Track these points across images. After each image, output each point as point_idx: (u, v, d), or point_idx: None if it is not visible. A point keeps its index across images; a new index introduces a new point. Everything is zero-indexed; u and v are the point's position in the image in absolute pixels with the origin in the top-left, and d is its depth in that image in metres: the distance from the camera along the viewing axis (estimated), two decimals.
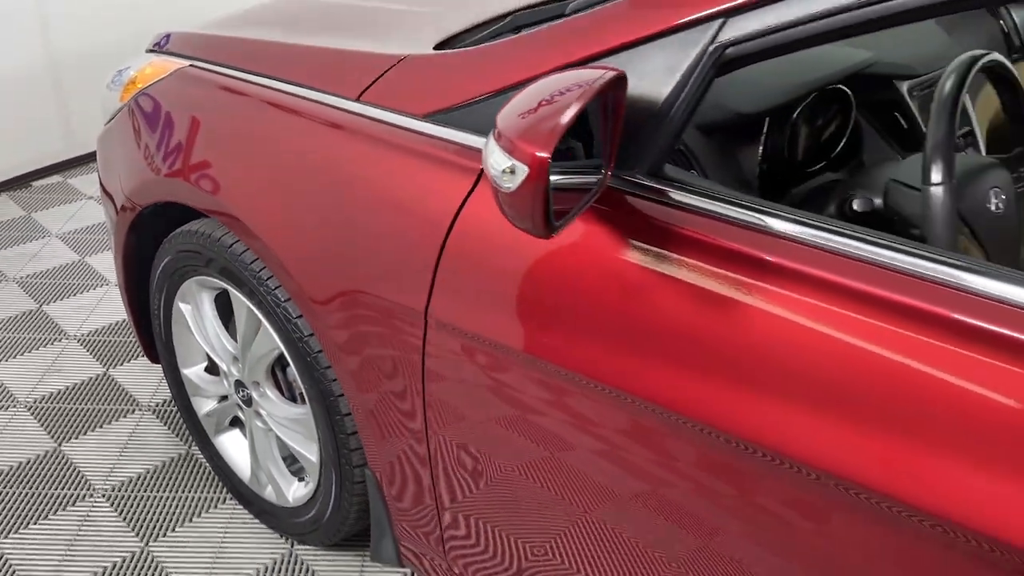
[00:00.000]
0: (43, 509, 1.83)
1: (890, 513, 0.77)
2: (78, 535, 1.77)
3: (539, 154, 0.76)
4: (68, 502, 1.85)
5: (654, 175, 0.98)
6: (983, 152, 1.48)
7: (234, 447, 1.84)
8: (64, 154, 3.39)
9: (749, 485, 0.89)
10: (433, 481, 1.32)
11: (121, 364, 2.29)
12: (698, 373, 0.90)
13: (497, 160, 0.79)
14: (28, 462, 1.96)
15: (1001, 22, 1.99)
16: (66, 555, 1.72)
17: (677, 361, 0.91)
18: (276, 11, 1.86)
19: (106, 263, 2.75)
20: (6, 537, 1.76)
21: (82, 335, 2.41)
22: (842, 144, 1.37)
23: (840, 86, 1.34)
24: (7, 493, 1.87)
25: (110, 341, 2.38)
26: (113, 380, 2.23)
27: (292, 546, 1.77)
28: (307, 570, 1.71)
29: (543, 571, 1.20)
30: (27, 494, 1.87)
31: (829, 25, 0.86)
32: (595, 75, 0.83)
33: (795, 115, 1.28)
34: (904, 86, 1.45)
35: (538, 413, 1.08)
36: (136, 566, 1.70)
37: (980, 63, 1.12)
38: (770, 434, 0.83)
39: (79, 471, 1.94)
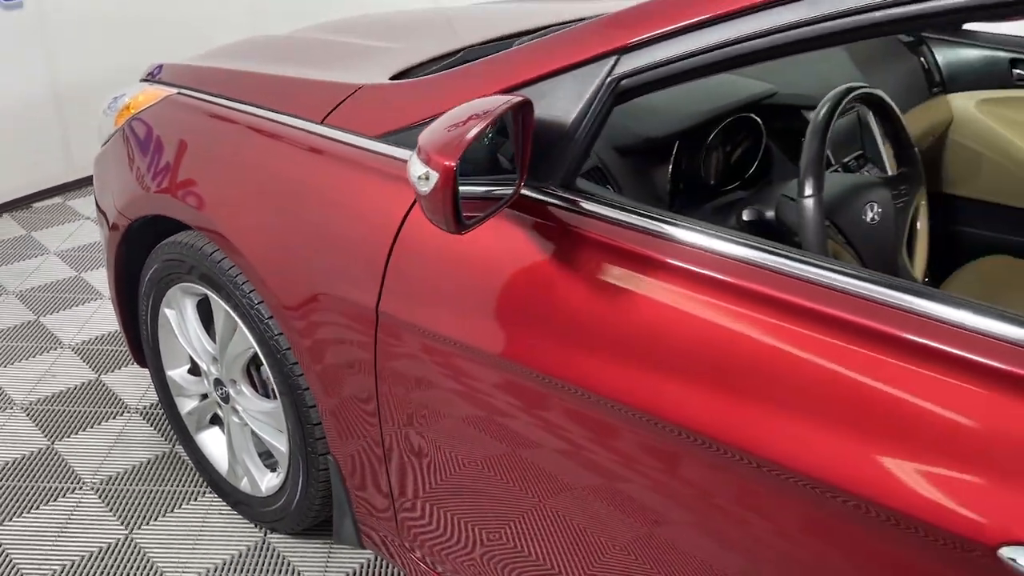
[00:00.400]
0: (36, 500, 1.97)
1: (760, 471, 0.92)
2: (68, 523, 1.91)
3: (446, 163, 0.93)
4: (60, 494, 1.99)
5: (566, 187, 1.14)
6: (889, 172, 1.65)
7: (213, 443, 1.98)
8: (64, 177, 3.57)
9: (654, 452, 1.03)
10: (387, 466, 1.47)
11: (112, 371, 2.43)
12: (606, 354, 1.05)
13: (416, 169, 0.95)
14: (24, 458, 2.10)
15: (921, 59, 2.18)
16: (57, 540, 1.86)
17: (586, 344, 1.07)
18: (259, 45, 2.04)
19: (100, 278, 2.90)
20: (2, 524, 1.90)
21: (76, 344, 2.56)
22: (755, 167, 1.54)
23: (752, 115, 1.51)
24: (4, 485, 2.01)
25: (102, 350, 2.53)
26: (104, 385, 2.38)
27: (265, 535, 1.90)
28: (278, 556, 1.85)
29: (495, 551, 1.34)
30: (22, 486, 2.01)
31: (711, 59, 1.03)
32: (500, 101, 1.00)
33: (709, 140, 1.45)
34: (810, 115, 1.62)
35: (472, 397, 1.23)
36: (120, 552, 1.84)
37: (852, 94, 1.28)
38: (664, 403, 0.98)
39: (70, 466, 2.08)
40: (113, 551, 1.84)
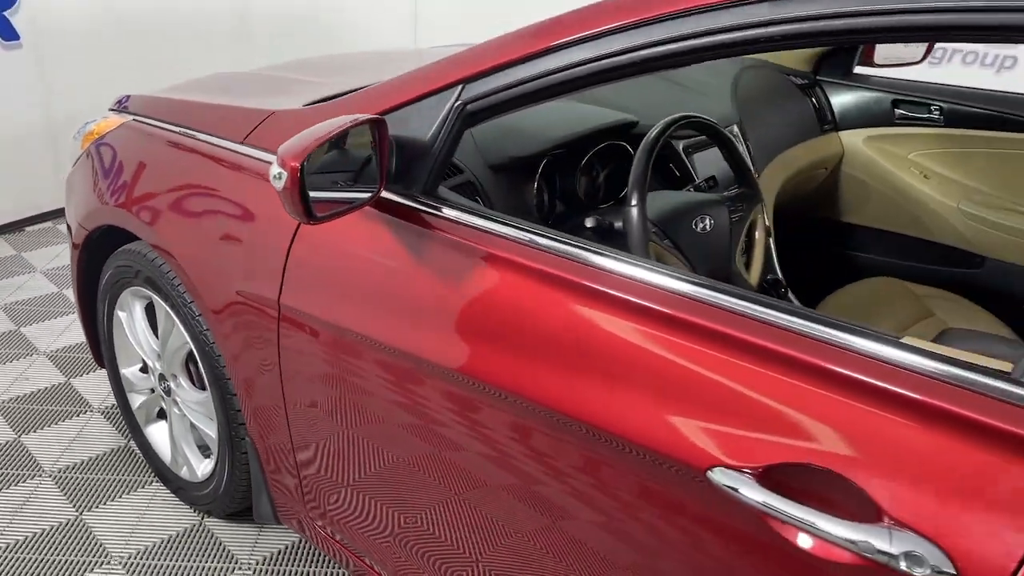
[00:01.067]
0: None
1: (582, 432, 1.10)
2: (25, 504, 2.09)
3: (293, 163, 1.13)
4: (19, 480, 2.17)
5: (428, 194, 1.34)
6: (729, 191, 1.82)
7: (159, 435, 2.17)
8: (54, 204, 3.81)
9: (501, 421, 1.21)
10: (293, 446, 1.66)
11: (80, 375, 2.63)
12: (452, 332, 1.24)
13: (273, 170, 1.16)
14: None
15: (813, 100, 2.39)
16: (13, 519, 2.04)
17: (436, 325, 1.26)
18: (215, 79, 2.27)
19: None
20: None
21: (50, 351, 2.76)
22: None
23: (622, 143, 1.72)
24: None
25: (73, 357, 2.73)
26: (72, 387, 2.57)
27: (202, 518, 2.08)
28: (212, 536, 2.02)
29: (395, 527, 1.50)
30: None
31: (537, 86, 1.22)
32: (349, 119, 1.20)
33: (582, 163, 1.65)
34: (680, 144, 1.83)
35: (356, 379, 1.41)
36: (69, 530, 2.02)
37: (679, 122, 1.49)
38: (491, 370, 1.17)
39: (33, 457, 2.26)
40: (63, 529, 2.02)
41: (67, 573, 1.89)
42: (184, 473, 2.08)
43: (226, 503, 1.97)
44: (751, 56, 2.49)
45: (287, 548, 2.00)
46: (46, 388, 2.57)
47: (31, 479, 2.18)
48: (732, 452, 0.95)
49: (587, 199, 1.68)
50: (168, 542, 1.99)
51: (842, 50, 2.40)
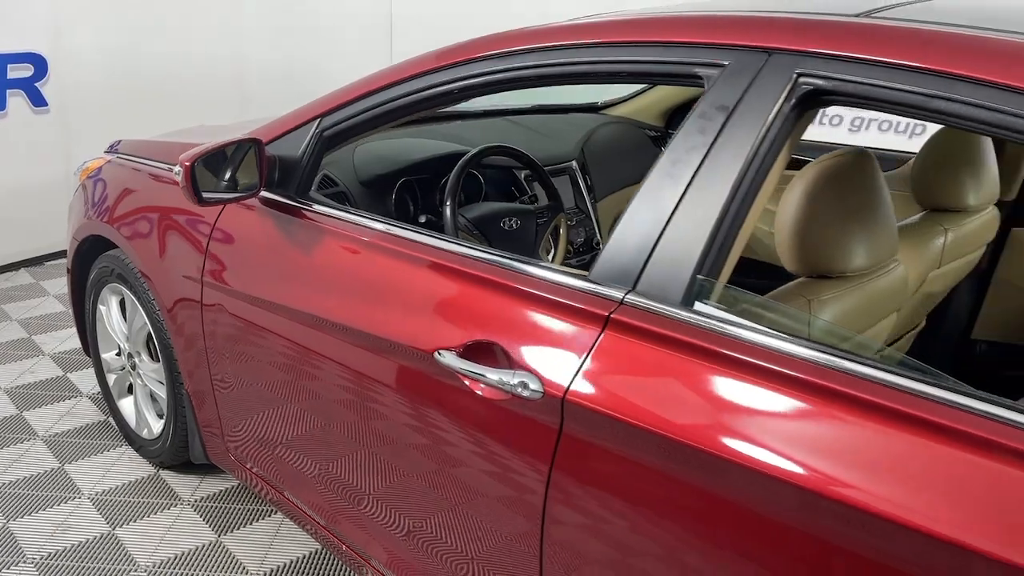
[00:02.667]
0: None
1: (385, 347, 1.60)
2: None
3: (185, 163, 1.67)
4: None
5: (300, 195, 1.87)
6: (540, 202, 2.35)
7: (128, 408, 2.68)
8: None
9: (347, 355, 1.71)
10: (215, 396, 2.16)
11: (77, 370, 3.16)
12: (315, 289, 1.75)
13: (176, 168, 1.70)
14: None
15: (662, 148, 2.91)
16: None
17: (302, 284, 1.77)
18: (190, 128, 2.85)
19: None
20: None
21: (54, 353, 3.30)
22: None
23: (473, 171, 2.26)
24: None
25: (74, 359, 3.26)
26: (69, 380, 3.10)
27: (157, 470, 2.57)
28: (163, 484, 2.51)
29: (295, 455, 1.93)
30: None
31: (369, 116, 1.76)
32: (232, 139, 1.75)
33: (441, 183, 2.18)
34: (522, 173, 2.36)
35: (256, 336, 1.91)
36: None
37: (492, 150, 2.02)
38: (334, 310, 1.67)
39: (29, 425, 2.78)
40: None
41: None
42: (145, 434, 2.58)
43: (172, 453, 2.46)
44: (613, 112, 3.04)
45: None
46: (49, 379, 3.10)
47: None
48: (445, 338, 1.45)
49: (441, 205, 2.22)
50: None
51: (687, 106, 2.93)
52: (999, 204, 2.14)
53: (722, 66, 1.27)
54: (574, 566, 1.32)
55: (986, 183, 1.94)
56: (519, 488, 1.37)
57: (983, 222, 1.99)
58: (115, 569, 2.15)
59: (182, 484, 2.52)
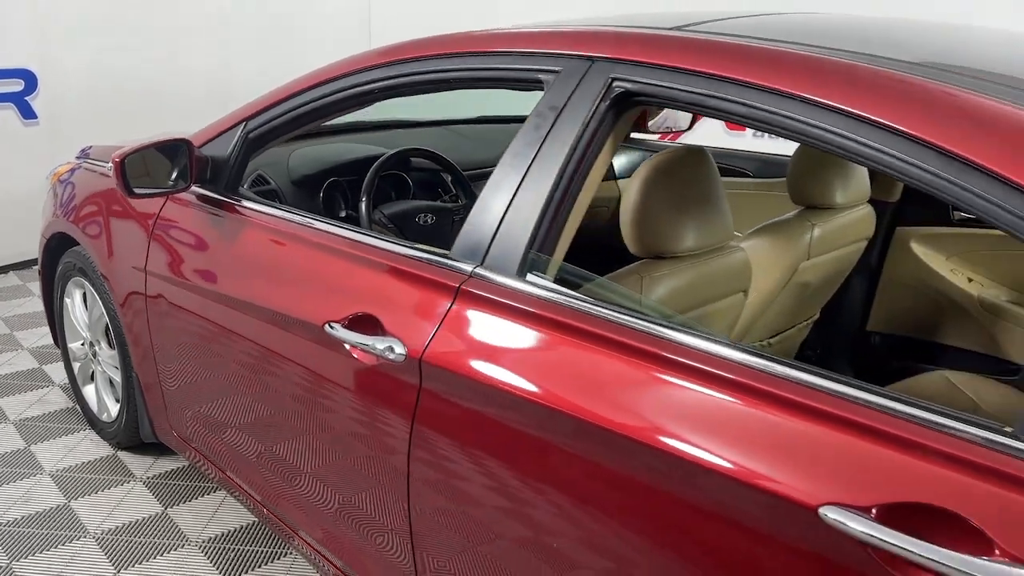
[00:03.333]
0: None
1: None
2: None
3: (115, 160, 1.87)
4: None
5: (229, 191, 2.07)
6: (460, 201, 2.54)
7: (91, 394, 2.87)
8: None
9: (270, 333, 1.90)
10: (160, 378, 2.35)
11: (51, 362, 3.36)
12: (235, 275, 1.94)
13: (108, 164, 1.90)
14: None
15: None
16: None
17: (227, 271, 1.97)
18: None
19: None
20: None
21: (32, 347, 3.50)
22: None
23: (399, 172, 2.45)
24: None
25: (52, 353, 3.46)
26: (43, 372, 3.30)
27: (115, 452, 2.76)
28: (119, 463, 2.70)
29: (228, 431, 2.12)
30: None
31: (288, 119, 1.96)
32: (160, 138, 1.95)
33: (365, 183, 2.38)
34: (448, 176, 2.56)
35: (193, 320, 2.11)
36: (15, 456, 2.71)
37: (408, 152, 2.22)
38: (255, 294, 1.87)
39: (2, 410, 2.97)
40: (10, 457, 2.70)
41: None
42: (104, 417, 2.77)
43: (127, 434, 2.65)
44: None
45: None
46: (24, 371, 3.30)
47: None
48: (334, 313, 1.63)
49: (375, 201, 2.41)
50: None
51: None
52: (879, 204, 2.32)
53: (556, 72, 1.46)
54: (436, 506, 1.50)
55: (854, 183, 2.12)
56: (388, 441, 1.55)
57: (854, 219, 2.17)
58: (66, 535, 2.34)
59: (136, 463, 2.71)
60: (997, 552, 0.88)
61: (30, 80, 4.31)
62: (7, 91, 4.26)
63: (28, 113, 4.34)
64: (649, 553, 1.19)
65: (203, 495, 2.56)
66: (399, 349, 1.48)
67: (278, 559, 2.28)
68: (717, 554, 1.11)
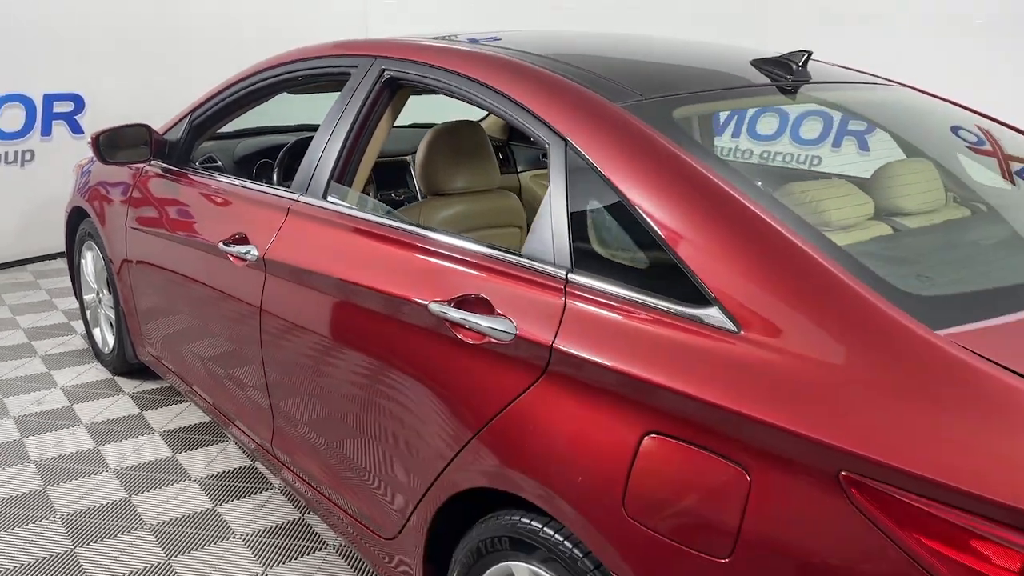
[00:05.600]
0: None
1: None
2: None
3: (92, 137, 2.63)
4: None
5: (181, 164, 2.81)
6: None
7: (98, 334, 3.64)
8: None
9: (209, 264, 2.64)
10: (136, 310, 3.09)
11: (45, 339, 4.16)
12: (191, 221, 2.68)
13: (87, 138, 2.66)
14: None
15: (500, 154, 3.78)
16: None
17: (185, 220, 2.71)
18: None
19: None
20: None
21: (27, 329, 4.32)
22: None
23: None
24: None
25: (47, 333, 4.27)
26: (37, 352, 4.10)
27: (112, 376, 3.51)
28: (114, 383, 3.45)
29: (190, 351, 2.85)
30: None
31: (215, 107, 2.71)
32: (130, 123, 2.70)
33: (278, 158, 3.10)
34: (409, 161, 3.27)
35: (156, 259, 2.85)
36: (37, 377, 3.48)
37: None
38: (196, 233, 2.60)
39: (34, 347, 3.77)
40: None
41: None
42: (105, 349, 3.54)
43: (119, 361, 3.40)
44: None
45: (193, 425, 3.38)
46: (59, 324, 4.11)
47: (48, 388, 3.66)
48: (226, 235, 2.35)
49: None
50: (115, 420, 3.41)
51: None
52: None
53: (356, 66, 2.16)
54: (279, 362, 2.17)
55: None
56: (247, 326, 2.24)
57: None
58: (63, 424, 3.09)
59: (127, 384, 3.46)
60: (497, 312, 1.52)
61: (79, 102, 5.21)
62: (61, 111, 5.16)
63: (76, 129, 5.23)
64: (381, 345, 1.85)
65: (178, 403, 3.29)
66: (255, 253, 2.19)
67: (265, 491, 2.99)
68: (402, 339, 1.76)
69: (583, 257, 1.48)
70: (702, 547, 1.19)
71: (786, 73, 1.86)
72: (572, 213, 1.53)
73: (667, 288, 1.34)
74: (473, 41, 2.11)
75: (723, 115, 4.09)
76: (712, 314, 1.27)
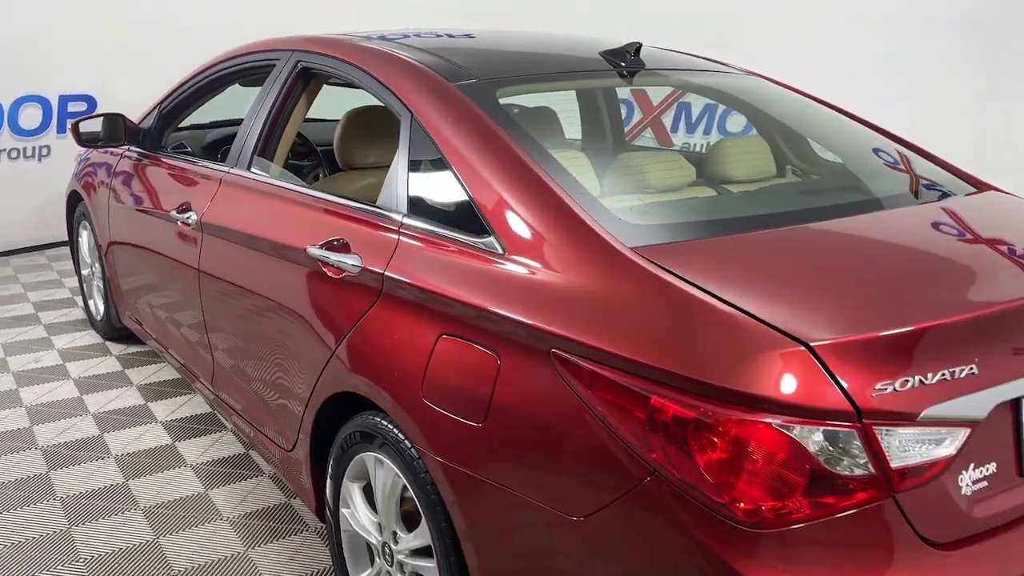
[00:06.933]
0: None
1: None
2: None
3: (71, 123, 3.04)
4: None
5: (151, 148, 3.21)
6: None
7: (92, 305, 4.06)
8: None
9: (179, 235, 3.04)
10: (118, 279, 3.50)
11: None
12: (160, 195, 3.08)
13: (69, 124, 3.07)
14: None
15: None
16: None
17: (155, 196, 3.11)
18: None
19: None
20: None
21: (73, 287, 4.77)
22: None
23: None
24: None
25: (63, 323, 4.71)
26: (48, 329, 4.54)
27: (103, 341, 3.93)
28: (103, 346, 3.86)
29: (161, 315, 3.25)
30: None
31: (182, 97, 3.11)
32: (107, 112, 3.11)
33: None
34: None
35: (134, 231, 3.25)
36: (38, 341, 3.91)
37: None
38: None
39: (39, 317, 4.20)
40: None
41: None
42: (98, 316, 3.96)
43: (107, 327, 3.82)
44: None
45: (171, 380, 3.80)
46: (64, 298, 4.55)
47: (47, 350, 4.10)
48: (177, 205, 2.73)
49: None
50: (99, 375, 3.83)
51: None
52: None
53: (278, 59, 2.53)
54: (212, 304, 2.55)
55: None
56: (188, 278, 2.62)
57: None
58: (54, 378, 3.51)
59: (115, 347, 3.87)
60: (352, 251, 1.87)
61: (91, 103, 5.67)
62: (75, 111, 5.62)
63: None
64: (276, 285, 2.21)
65: (162, 371, 3.69)
66: (194, 217, 2.57)
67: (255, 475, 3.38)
68: (290, 279, 2.12)
69: (415, 204, 1.83)
70: (468, 416, 1.53)
71: (621, 61, 2.19)
72: (410, 170, 1.88)
73: (467, 225, 1.68)
74: (381, 38, 2.47)
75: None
76: (489, 241, 1.61)
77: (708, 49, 2.72)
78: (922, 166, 2.14)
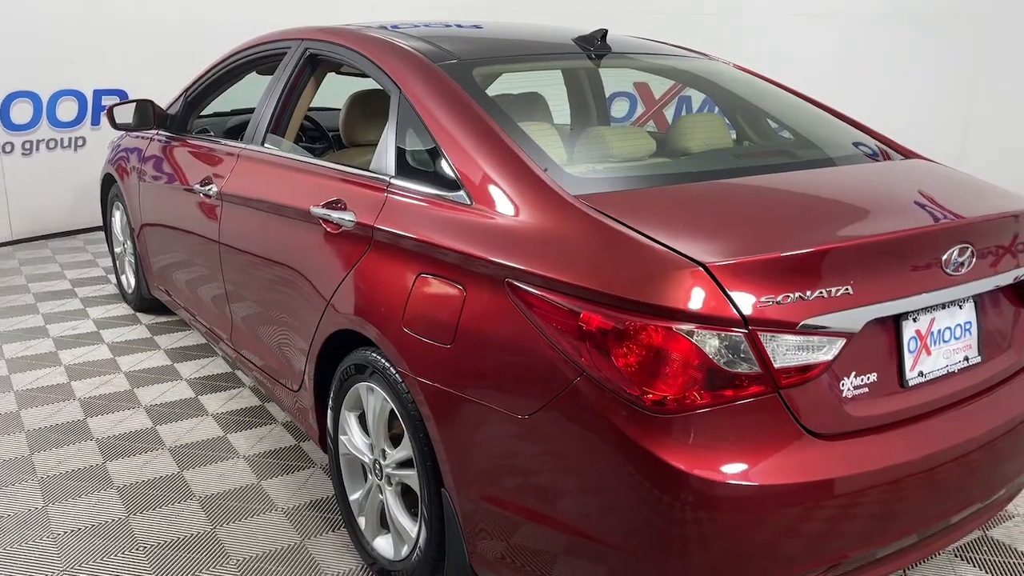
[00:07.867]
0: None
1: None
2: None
3: (107, 108, 3.35)
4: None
5: (179, 131, 3.52)
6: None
7: (124, 280, 4.38)
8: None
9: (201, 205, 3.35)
10: (148, 252, 3.81)
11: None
12: (187, 172, 3.39)
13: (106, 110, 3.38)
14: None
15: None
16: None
17: (182, 172, 3.42)
18: None
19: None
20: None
21: (108, 266, 5.10)
22: None
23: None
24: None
25: (97, 296, 5.05)
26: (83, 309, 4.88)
27: (134, 312, 4.25)
28: (134, 316, 4.18)
29: (189, 286, 3.55)
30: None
31: (204, 85, 3.42)
32: (139, 99, 3.42)
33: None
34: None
35: (160, 209, 3.57)
36: (76, 312, 4.24)
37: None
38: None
39: (75, 292, 4.54)
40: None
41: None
42: (129, 290, 4.28)
43: (138, 299, 4.14)
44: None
45: (194, 346, 4.11)
46: (100, 276, 4.89)
47: (84, 319, 4.43)
48: (200, 181, 3.03)
49: None
50: (127, 342, 4.15)
51: None
52: None
53: (290, 47, 2.83)
54: (232, 264, 2.85)
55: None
56: (212, 249, 2.92)
57: None
58: (89, 342, 3.83)
59: (145, 318, 4.19)
60: (347, 208, 2.16)
61: (123, 96, 6.02)
62: (106, 103, 5.98)
63: None
64: (285, 242, 2.50)
65: (188, 338, 4.01)
66: (215, 189, 2.87)
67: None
68: (297, 236, 2.41)
69: (401, 167, 2.11)
70: (438, 339, 1.80)
71: (589, 45, 2.46)
72: (397, 137, 2.16)
73: (441, 182, 1.96)
74: (382, 27, 2.75)
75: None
76: (460, 195, 1.88)
77: (706, 45, 2.98)
78: (861, 139, 2.38)
